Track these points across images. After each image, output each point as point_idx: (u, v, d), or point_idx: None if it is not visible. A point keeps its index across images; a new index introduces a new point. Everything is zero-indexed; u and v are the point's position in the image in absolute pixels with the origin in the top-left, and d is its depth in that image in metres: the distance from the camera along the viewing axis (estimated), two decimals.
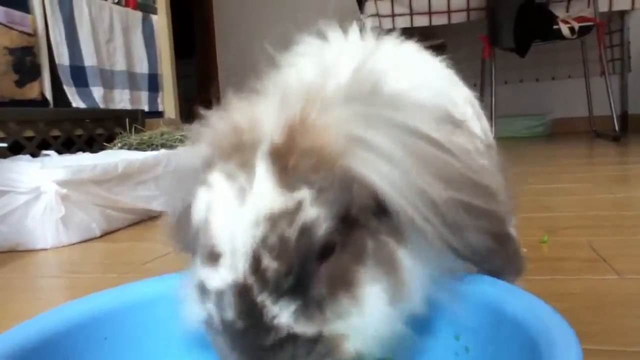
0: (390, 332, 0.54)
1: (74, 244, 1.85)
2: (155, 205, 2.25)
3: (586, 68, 5.02)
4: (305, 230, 0.49)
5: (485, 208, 0.57)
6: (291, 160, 0.51)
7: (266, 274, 0.49)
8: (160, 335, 0.68)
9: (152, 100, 3.98)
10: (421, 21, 4.69)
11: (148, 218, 2.25)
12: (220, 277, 0.50)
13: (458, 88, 0.80)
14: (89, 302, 0.66)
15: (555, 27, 4.21)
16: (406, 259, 0.55)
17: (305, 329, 0.50)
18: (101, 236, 1.96)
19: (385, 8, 4.68)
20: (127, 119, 3.23)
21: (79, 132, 3.08)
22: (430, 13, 4.69)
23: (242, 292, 0.49)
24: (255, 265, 0.49)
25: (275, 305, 0.49)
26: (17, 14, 2.82)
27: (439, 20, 4.68)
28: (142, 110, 3.65)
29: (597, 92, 4.75)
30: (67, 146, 2.98)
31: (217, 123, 0.58)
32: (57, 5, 3.13)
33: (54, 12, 3.10)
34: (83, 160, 2.11)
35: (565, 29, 4.22)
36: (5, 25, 2.71)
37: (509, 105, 5.30)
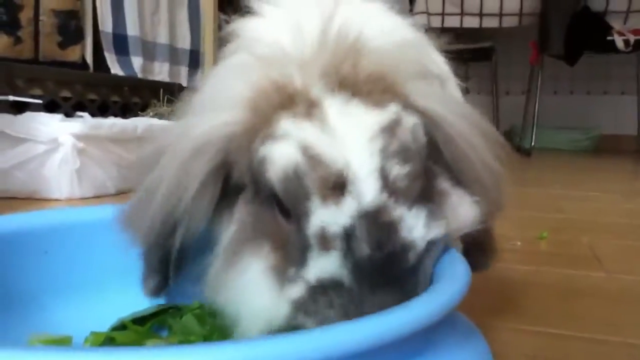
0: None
1: (87, 198, 1.91)
2: None
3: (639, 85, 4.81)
4: (415, 133, 0.50)
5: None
6: (362, 87, 0.50)
7: (397, 184, 0.47)
8: (97, 259, 0.69)
9: (192, 76, 4.05)
10: (472, 22, 4.57)
11: None
12: (347, 208, 0.45)
13: (433, 49, 0.77)
14: (30, 216, 0.68)
15: (609, 38, 4.06)
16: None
17: (436, 231, 0.48)
18: (116, 194, 2.00)
19: (436, 5, 4.59)
20: (161, 90, 3.29)
21: (115, 98, 3.17)
22: (481, 14, 4.57)
23: (376, 216, 0.45)
24: (384, 179, 0.46)
25: (410, 215, 0.47)
26: None
27: (490, 23, 4.56)
28: (179, 84, 3.72)
29: None
30: (102, 111, 3.07)
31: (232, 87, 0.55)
32: None
33: None
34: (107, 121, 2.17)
35: (619, 42, 4.05)
36: None
37: (557, 116, 5.13)
